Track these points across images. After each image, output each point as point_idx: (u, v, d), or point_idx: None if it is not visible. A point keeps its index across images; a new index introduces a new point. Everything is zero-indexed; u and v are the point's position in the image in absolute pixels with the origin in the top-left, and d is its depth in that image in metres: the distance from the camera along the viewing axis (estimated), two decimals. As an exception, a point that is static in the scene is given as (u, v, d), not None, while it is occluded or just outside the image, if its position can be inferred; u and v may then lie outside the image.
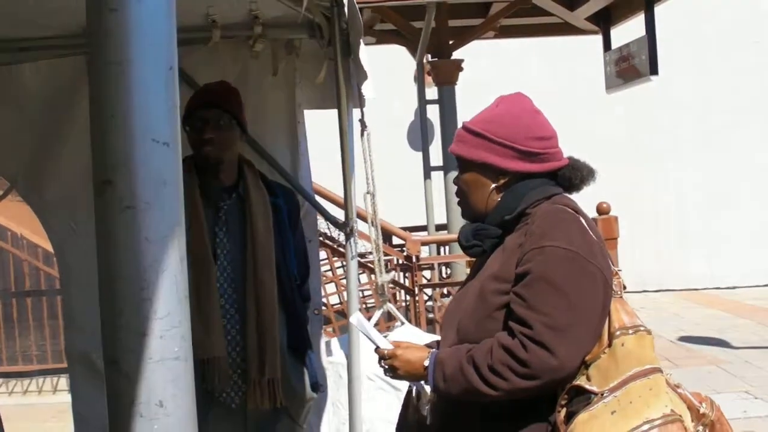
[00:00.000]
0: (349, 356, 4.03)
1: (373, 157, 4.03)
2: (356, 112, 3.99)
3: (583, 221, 2.42)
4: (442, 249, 10.55)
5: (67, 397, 4.45)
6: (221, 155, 3.48)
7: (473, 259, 2.73)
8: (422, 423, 2.63)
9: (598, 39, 10.02)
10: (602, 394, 2.25)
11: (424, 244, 9.04)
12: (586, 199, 2.59)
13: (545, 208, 2.45)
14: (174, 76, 1.37)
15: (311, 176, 4.27)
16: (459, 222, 10.07)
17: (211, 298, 3.31)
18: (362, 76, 3.76)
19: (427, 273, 9.61)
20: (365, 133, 4.01)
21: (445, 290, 9.11)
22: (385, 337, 4.57)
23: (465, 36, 10.09)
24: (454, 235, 9.53)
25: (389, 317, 6.38)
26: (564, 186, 2.55)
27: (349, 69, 3.81)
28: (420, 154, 10.73)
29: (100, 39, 1.32)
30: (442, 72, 9.99)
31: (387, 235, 9.07)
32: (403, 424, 2.79)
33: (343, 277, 9.21)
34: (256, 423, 3.51)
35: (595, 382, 2.28)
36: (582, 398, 2.28)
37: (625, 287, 2.45)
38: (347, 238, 4.05)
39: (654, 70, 8.19)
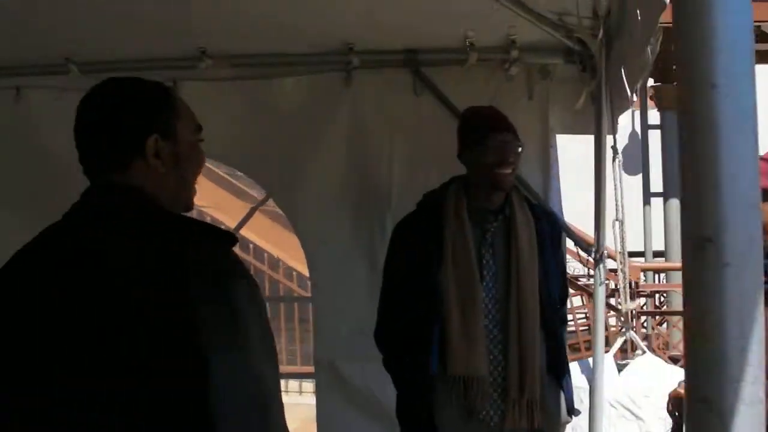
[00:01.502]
0: (592, 381, 4.02)
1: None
2: (608, 139, 3.97)
3: None
4: (655, 277, 10.31)
5: (310, 399, 4.58)
6: (513, 180, 3.49)
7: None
8: None
9: None
10: None
11: (643, 270, 8.86)
12: None
13: None
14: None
15: (561, 200, 4.28)
16: (677, 249, 9.85)
17: (476, 318, 3.36)
18: (624, 105, 3.74)
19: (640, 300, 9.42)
20: (617, 159, 3.99)
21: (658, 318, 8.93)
22: (626, 365, 4.52)
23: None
24: (674, 264, 9.37)
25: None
26: None
27: (610, 96, 3.79)
28: (634, 180, 10.54)
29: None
30: (666, 97, 9.79)
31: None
32: None
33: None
34: (512, 442, 3.52)
35: None
36: None
37: None
38: (596, 264, 4.02)
39: None
